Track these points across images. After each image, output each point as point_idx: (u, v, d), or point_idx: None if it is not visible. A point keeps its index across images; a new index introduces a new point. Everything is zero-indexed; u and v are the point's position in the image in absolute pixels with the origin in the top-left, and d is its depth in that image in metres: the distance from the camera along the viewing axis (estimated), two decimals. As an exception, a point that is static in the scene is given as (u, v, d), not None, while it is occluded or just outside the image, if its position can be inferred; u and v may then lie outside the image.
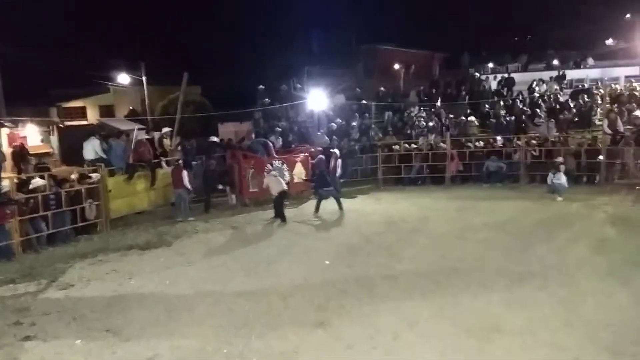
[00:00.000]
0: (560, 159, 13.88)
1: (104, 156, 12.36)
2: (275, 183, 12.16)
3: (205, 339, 5.92)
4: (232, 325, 6.24)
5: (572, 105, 20.22)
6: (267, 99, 19.66)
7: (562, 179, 13.04)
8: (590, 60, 26.25)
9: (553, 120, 18.57)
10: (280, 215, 11.84)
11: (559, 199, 12.86)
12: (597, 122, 18.57)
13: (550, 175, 13.30)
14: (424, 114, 20.07)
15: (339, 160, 14.76)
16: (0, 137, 11.69)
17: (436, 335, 5.79)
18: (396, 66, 26.77)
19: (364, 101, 20.69)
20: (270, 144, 15.07)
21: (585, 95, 20.99)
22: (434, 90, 22.85)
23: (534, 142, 16.25)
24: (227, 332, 6.09)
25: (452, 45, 30.42)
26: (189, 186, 12.56)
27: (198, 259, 9.22)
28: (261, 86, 20.40)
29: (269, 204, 12.85)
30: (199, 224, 11.82)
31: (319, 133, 17.42)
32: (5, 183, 9.87)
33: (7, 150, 14.57)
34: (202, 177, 13.93)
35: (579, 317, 6.13)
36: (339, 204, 12.71)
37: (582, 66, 26.11)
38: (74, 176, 11.48)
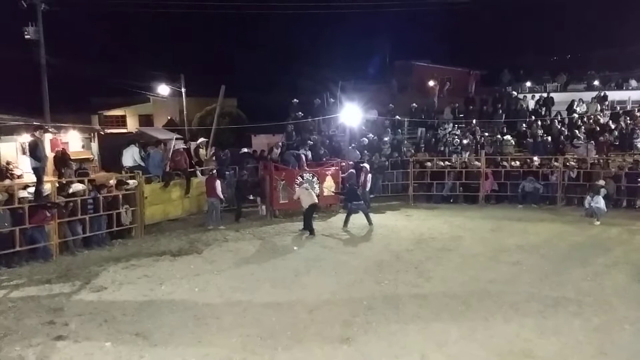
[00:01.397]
0: (601, 182, 13.46)
1: (142, 164, 12.70)
2: (307, 195, 12.25)
3: (231, 348, 5.96)
4: (258, 336, 6.26)
5: (613, 127, 19.62)
6: (300, 112, 19.84)
7: (600, 202, 12.62)
8: (633, 82, 25.43)
9: (592, 141, 18.06)
10: (309, 227, 11.88)
11: (597, 222, 12.45)
12: (639, 145, 17.95)
13: (588, 198, 12.90)
14: (458, 132, 19.83)
15: (369, 175, 14.73)
16: (44, 141, 12.17)
17: (465, 358, 5.67)
18: (431, 83, 26.59)
19: (397, 117, 20.61)
20: (303, 156, 15.21)
21: (627, 117, 20.34)
22: (469, 108, 22.56)
23: (572, 163, 15.82)
24: (253, 342, 6.12)
25: (489, 63, 30.07)
26: (221, 195, 12.76)
27: (227, 267, 9.33)
28: (295, 100, 20.61)
29: (298, 215, 12.90)
30: (229, 233, 11.96)
31: (350, 147, 17.43)
32: (47, 186, 10.25)
33: (50, 154, 15.14)
34: (234, 187, 14.14)
35: (614, 346, 5.90)
36: (369, 218, 12.66)
37: (624, 87, 25.32)
38: (112, 182, 11.83)
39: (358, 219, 12.65)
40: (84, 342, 6.19)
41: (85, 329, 6.57)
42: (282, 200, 13.85)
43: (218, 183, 12.70)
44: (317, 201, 12.47)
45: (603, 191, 12.93)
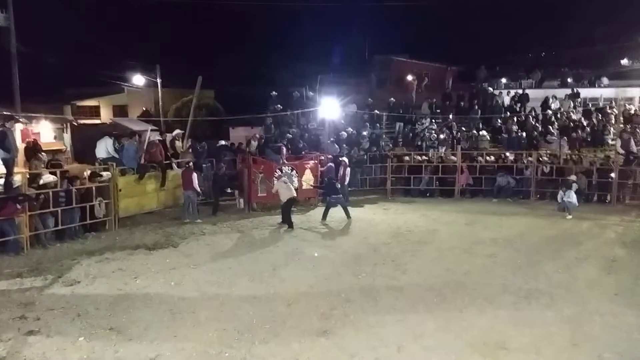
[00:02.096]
0: (573, 177, 13.78)
1: (116, 155, 12.46)
2: (285, 189, 12.19)
3: (208, 342, 5.91)
4: (235, 330, 6.23)
5: (585, 123, 20.09)
6: (278, 105, 19.73)
7: (572, 197, 12.92)
8: (605, 80, 26.08)
9: (565, 137, 18.45)
10: (287, 221, 11.85)
11: (569, 217, 12.74)
12: (610, 142, 18.44)
13: (561, 193, 13.19)
14: (435, 126, 20.03)
15: (348, 169, 14.77)
16: (14, 132, 11.79)
17: (441, 349, 5.74)
18: (409, 77, 26.76)
19: (376, 111, 20.68)
20: (283, 148, 15.16)
21: (599, 114, 20.86)
22: (446, 103, 22.80)
23: (545, 158, 16.14)
24: (230, 336, 6.08)
25: (466, 59, 30.42)
26: (198, 188, 12.62)
27: (204, 261, 9.24)
28: (274, 92, 20.48)
29: (276, 209, 12.87)
30: (206, 227, 11.85)
31: (329, 141, 17.43)
32: (17, 178, 9.96)
33: (21, 145, 14.69)
34: (211, 180, 14.00)
35: (586, 337, 6.06)
36: (347, 212, 12.70)
37: (596, 85, 25.95)
38: (85, 174, 11.57)
39: (336, 213, 12.68)
40: (56, 337, 6.07)
41: (57, 323, 6.43)
42: (260, 194, 13.78)
43: (194, 176, 12.54)
44: (295, 195, 12.40)
45: (575, 186, 13.24)
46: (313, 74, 27.43)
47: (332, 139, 17.57)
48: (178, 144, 15.14)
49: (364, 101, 21.92)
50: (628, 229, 11.68)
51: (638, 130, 18.56)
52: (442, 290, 7.65)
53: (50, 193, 10.20)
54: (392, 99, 22.26)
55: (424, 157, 16.86)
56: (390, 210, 14.06)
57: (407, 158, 16.77)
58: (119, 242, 10.52)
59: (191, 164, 13.18)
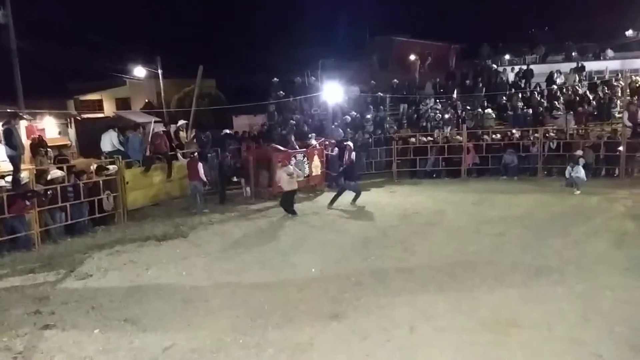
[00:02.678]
0: (579, 152, 13.68)
1: (121, 148, 12.49)
2: (287, 180, 11.88)
3: (221, 330, 5.96)
4: (248, 317, 6.28)
5: (591, 97, 19.87)
6: (281, 92, 19.64)
7: (580, 172, 12.84)
8: (610, 52, 25.71)
9: (572, 112, 18.28)
10: (290, 210, 11.78)
11: (577, 192, 12.68)
12: (617, 115, 18.25)
13: (569, 168, 13.10)
14: (439, 106, 19.89)
15: (353, 153, 14.73)
16: (19, 129, 11.83)
17: (452, 329, 5.76)
18: (412, 57, 26.48)
19: (380, 93, 20.55)
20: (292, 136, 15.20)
21: (605, 87, 20.61)
22: (450, 82, 22.60)
23: (552, 134, 16.02)
24: (243, 323, 6.13)
25: (469, 37, 30.05)
26: (204, 178, 12.64)
27: (214, 250, 9.29)
28: (275, 79, 20.38)
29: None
30: (214, 216, 11.90)
31: (333, 126, 17.37)
32: (25, 174, 10.02)
33: (26, 142, 14.75)
34: (217, 169, 14.02)
35: (597, 312, 6.05)
36: (356, 198, 12.65)
37: (601, 58, 25.59)
38: (91, 168, 11.62)
39: (344, 197, 12.66)
40: (71, 330, 6.14)
41: (72, 317, 6.50)
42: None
43: (200, 166, 12.56)
44: (296, 187, 12.12)
45: (582, 161, 13.15)
46: (314, 59, 27.20)
47: (336, 124, 17.51)
48: (182, 134, 15.15)
49: (366, 84, 21.77)
50: (637, 202, 11.61)
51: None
52: (452, 270, 7.66)
53: (58, 188, 10.26)
54: (395, 80, 22.08)
55: (429, 138, 16.79)
56: (397, 193, 14.05)
57: (412, 140, 16.70)
58: (128, 234, 10.59)
59: (196, 154, 13.19)
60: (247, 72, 29.17)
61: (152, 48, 29.59)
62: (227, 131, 17.18)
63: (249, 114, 22.64)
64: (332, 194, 12.86)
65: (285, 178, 11.89)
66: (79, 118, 22.28)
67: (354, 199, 12.63)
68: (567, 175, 13.14)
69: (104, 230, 11.03)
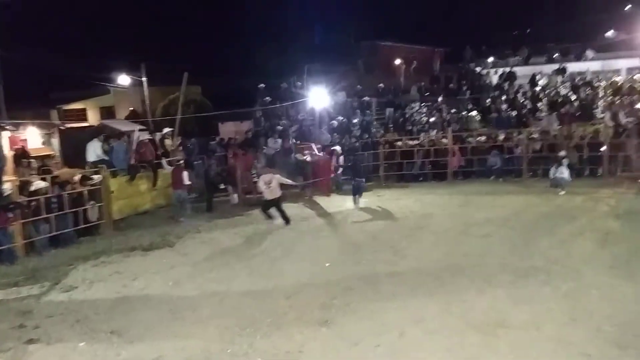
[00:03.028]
0: (562, 153, 13.84)
1: (105, 157, 12.35)
2: (268, 190, 11.37)
3: (209, 340, 5.90)
4: (236, 325, 6.21)
5: (573, 98, 20.15)
6: (267, 98, 19.63)
7: (564, 172, 12.99)
8: (590, 53, 26.12)
9: (555, 113, 18.51)
10: (269, 216, 11.42)
11: (562, 192, 12.82)
12: (599, 115, 18.50)
13: (553, 169, 13.25)
14: (425, 110, 20.02)
15: (341, 157, 14.79)
16: (1, 140, 11.64)
17: (442, 332, 5.77)
18: (397, 62, 26.67)
19: (366, 98, 20.62)
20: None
21: (587, 88, 20.92)
22: (435, 86, 22.79)
23: (535, 136, 16.19)
24: (231, 332, 6.07)
25: (453, 40, 30.30)
26: (187, 182, 12.53)
27: (201, 259, 9.20)
28: (261, 85, 20.36)
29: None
30: (201, 224, 11.81)
31: (320, 130, 17.40)
32: (7, 186, 9.85)
33: (9, 153, 14.50)
34: (203, 177, 13.94)
35: (584, 311, 6.10)
36: (356, 200, 12.74)
37: (583, 59, 25.98)
38: (75, 178, 11.47)
39: (333, 202, 12.67)
40: (56, 344, 6.02)
41: (57, 330, 6.38)
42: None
43: (185, 174, 12.48)
44: (278, 195, 11.52)
45: (566, 161, 13.30)
46: (300, 64, 27.24)
47: (323, 129, 17.54)
48: (168, 142, 15.03)
49: (352, 88, 21.85)
50: (620, 201, 11.78)
51: (626, 102, 18.67)
52: (441, 273, 7.68)
53: (42, 199, 10.11)
54: (381, 84, 22.21)
55: (415, 142, 16.87)
56: (385, 197, 14.08)
57: (399, 143, 16.77)
58: (114, 244, 10.45)
59: (182, 162, 13.11)
60: (232, 79, 29.08)
61: (136, 55, 29.35)
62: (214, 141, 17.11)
63: (236, 120, 22.57)
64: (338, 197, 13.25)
65: (264, 188, 11.40)
66: (63, 128, 21.99)
67: (355, 201, 12.74)
68: (551, 175, 13.29)
69: (89, 241, 10.88)
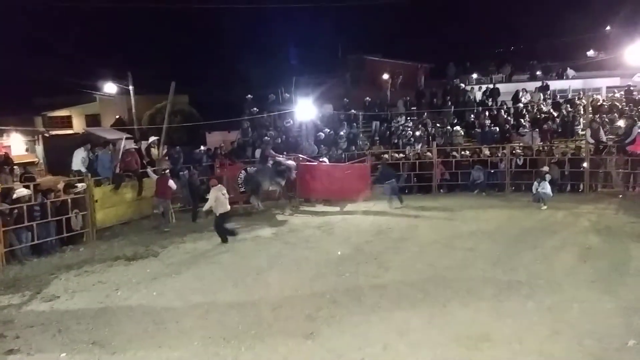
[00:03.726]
0: (545, 169, 14.07)
1: (83, 170, 12.08)
2: (222, 202, 10.86)
3: (193, 351, 5.87)
4: (221, 337, 6.19)
5: (555, 115, 20.56)
6: (255, 108, 19.66)
7: (547, 188, 13.20)
8: (571, 71, 26.76)
9: (537, 129, 18.84)
10: (224, 234, 10.95)
11: (544, 207, 13.01)
12: (580, 132, 18.89)
13: (535, 184, 13.46)
14: (410, 124, 20.24)
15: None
16: (-17, 146, 11.57)
17: (426, 345, 5.81)
18: (384, 77, 27.00)
19: (353, 111, 20.77)
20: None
21: (568, 106, 21.37)
22: (421, 100, 23.06)
23: (518, 151, 16.46)
24: (216, 343, 6.04)
25: (437, 56, 30.81)
26: (174, 187, 12.61)
27: (186, 269, 9.15)
28: (249, 95, 20.40)
29: (259, 213, 12.89)
30: (186, 234, 11.74)
31: (307, 142, 17.46)
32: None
33: (-9, 159, 14.31)
34: (188, 187, 13.88)
35: (566, 325, 6.19)
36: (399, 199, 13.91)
37: (564, 77, 26.59)
38: (59, 186, 11.34)
39: (319, 215, 12.68)
40: (37, 354, 5.94)
41: (38, 340, 6.29)
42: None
43: (171, 182, 12.45)
44: (229, 209, 11.09)
45: (548, 176, 13.53)
46: (288, 75, 27.42)
47: (310, 140, 17.61)
48: (154, 151, 14.96)
49: (339, 101, 22.01)
50: (601, 217, 11.99)
51: (606, 120, 19.11)
52: (424, 285, 7.74)
53: (25, 207, 9.97)
54: (367, 98, 22.40)
55: (401, 155, 17.02)
56: (371, 209, 14.14)
57: (385, 156, 16.91)
58: (97, 254, 10.35)
59: (167, 171, 13.05)
60: (220, 89, 29.14)
61: (123, 64, 29.29)
62: (203, 148, 17.06)
63: (223, 130, 22.55)
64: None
65: (221, 198, 10.82)
66: (47, 135, 21.77)
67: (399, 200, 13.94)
68: (534, 190, 13.49)
69: (72, 250, 10.76)
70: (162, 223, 12.39)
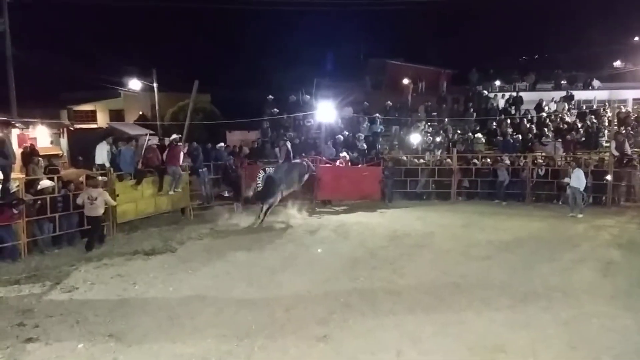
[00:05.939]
0: (567, 180, 13.82)
1: (107, 164, 12.32)
2: (96, 205, 10.27)
3: (207, 349, 5.92)
4: (234, 335, 6.24)
5: (579, 125, 20.23)
6: (275, 109, 19.78)
7: (581, 176, 13.07)
8: (597, 82, 26.28)
9: (560, 140, 18.56)
10: (91, 241, 10.34)
11: (579, 215, 12.91)
12: (605, 144, 18.56)
13: (567, 179, 13.35)
14: (431, 130, 20.13)
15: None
16: (11, 137, 11.77)
17: (439, 353, 5.78)
18: (405, 81, 26.88)
19: (377, 115, 20.74)
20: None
21: (593, 117, 21.01)
22: (442, 106, 22.92)
23: (540, 161, 16.24)
24: (229, 342, 6.09)
25: (460, 63, 30.53)
26: (182, 160, 13.23)
27: (202, 266, 9.24)
28: (270, 96, 20.53)
29: (276, 213, 12.99)
30: (203, 231, 11.87)
31: (326, 144, 17.50)
32: (15, 183, 9.95)
33: (17, 150, 14.61)
34: (211, 184, 14.13)
35: (582, 340, 6.09)
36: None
37: (590, 87, 26.13)
38: (81, 179, 11.56)
39: (334, 217, 12.71)
40: (55, 344, 6.06)
41: (56, 330, 6.42)
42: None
43: (182, 153, 13.12)
44: (100, 213, 10.45)
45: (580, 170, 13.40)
46: (309, 77, 27.50)
47: (329, 142, 17.64)
48: (176, 148, 15.11)
49: (360, 105, 22.00)
50: (623, 231, 11.77)
51: (632, 132, 18.73)
52: (439, 293, 7.69)
53: (48, 199, 10.19)
54: (388, 102, 22.35)
55: (420, 160, 16.94)
56: (387, 214, 14.11)
57: (404, 159, 16.88)
58: (117, 247, 10.52)
59: (179, 140, 13.55)
60: (242, 89, 29.35)
61: (148, 61, 29.69)
62: (222, 144, 17.21)
63: (243, 129, 22.72)
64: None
65: (87, 203, 10.26)
66: (72, 128, 22.17)
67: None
68: (567, 182, 13.41)
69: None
70: (172, 188, 13.04)
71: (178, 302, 7.42)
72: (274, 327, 6.51)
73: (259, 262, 9.55)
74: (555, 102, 23.17)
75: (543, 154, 17.32)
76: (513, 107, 22.56)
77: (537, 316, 6.82)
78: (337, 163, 15.94)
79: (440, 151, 18.11)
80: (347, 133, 18.73)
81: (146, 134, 15.39)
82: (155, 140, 14.91)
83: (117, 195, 11.81)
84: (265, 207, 12.64)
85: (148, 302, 7.42)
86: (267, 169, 14.84)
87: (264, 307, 7.21)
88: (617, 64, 30.60)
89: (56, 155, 16.78)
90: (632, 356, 5.68)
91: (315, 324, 6.59)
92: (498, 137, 19.36)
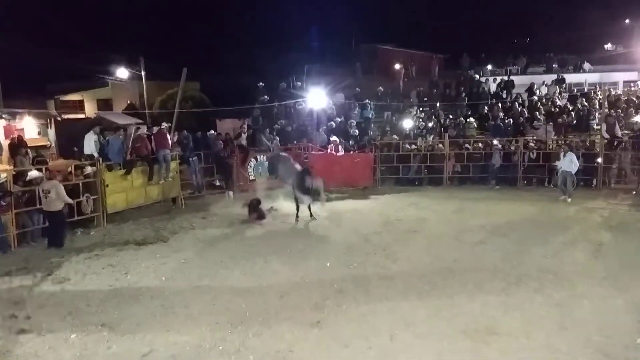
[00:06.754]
0: (558, 163, 13.86)
1: (96, 154, 12.18)
2: (55, 198, 9.65)
3: (201, 336, 5.91)
4: (228, 323, 6.23)
5: (570, 108, 20.27)
6: (266, 97, 19.62)
7: (573, 159, 13.09)
8: (588, 65, 26.32)
9: (551, 123, 18.60)
10: (56, 240, 9.77)
11: (568, 199, 12.93)
12: (595, 127, 18.63)
13: (560, 158, 13.38)
14: (422, 115, 20.09)
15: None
16: (-2, 129, 11.70)
17: (432, 336, 5.80)
18: (396, 66, 26.75)
19: (367, 101, 20.65)
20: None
21: (584, 99, 21.05)
22: (434, 91, 22.86)
23: (532, 144, 16.28)
24: (223, 329, 6.08)
25: (451, 47, 30.43)
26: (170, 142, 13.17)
27: (195, 255, 9.20)
28: (261, 83, 20.34)
29: (269, 201, 12.89)
30: (195, 220, 11.81)
31: (318, 131, 17.41)
32: (2, 175, 9.81)
33: (4, 142, 14.46)
34: (202, 173, 14.00)
35: (574, 321, 6.15)
36: None
37: (581, 70, 26.16)
38: (69, 169, 11.44)
39: (327, 204, 12.64)
40: (47, 335, 6.02)
41: (48, 321, 6.38)
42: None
43: (168, 136, 13.08)
44: (61, 208, 9.85)
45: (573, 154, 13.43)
46: (300, 64, 27.28)
47: (321, 129, 17.55)
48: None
49: (351, 90, 21.88)
50: (614, 213, 11.86)
51: (622, 115, 18.80)
52: (432, 277, 7.71)
53: (37, 190, 10.06)
54: (380, 88, 22.25)
55: (413, 146, 16.92)
56: (380, 200, 14.11)
57: (396, 143, 16.86)
58: (107, 238, 10.45)
59: (166, 125, 13.46)
60: (232, 76, 29.08)
61: (135, 49, 29.30)
62: (213, 132, 17.05)
63: (234, 117, 22.53)
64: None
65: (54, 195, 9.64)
66: (59, 118, 21.91)
67: None
68: (558, 166, 13.40)
69: (83, 233, 10.86)
70: (159, 176, 12.93)
71: (171, 291, 7.39)
72: (268, 313, 6.51)
73: (252, 250, 9.52)
74: (546, 85, 23.19)
75: (534, 137, 17.35)
76: (504, 91, 22.55)
77: (529, 298, 6.87)
78: (328, 148, 15.86)
79: (432, 136, 18.09)
80: (339, 119, 18.64)
81: (135, 124, 15.23)
82: (144, 130, 14.71)
83: (107, 186, 11.71)
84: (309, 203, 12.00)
85: (141, 291, 7.39)
86: (258, 157, 14.83)
87: (258, 294, 7.20)
88: (608, 46, 30.68)
89: (44, 146, 16.60)
90: (623, 336, 5.74)
91: (310, 310, 6.60)
92: (490, 121, 19.37)
